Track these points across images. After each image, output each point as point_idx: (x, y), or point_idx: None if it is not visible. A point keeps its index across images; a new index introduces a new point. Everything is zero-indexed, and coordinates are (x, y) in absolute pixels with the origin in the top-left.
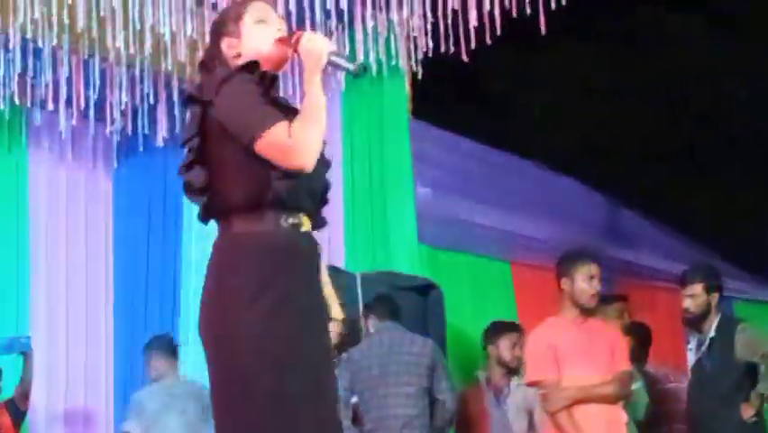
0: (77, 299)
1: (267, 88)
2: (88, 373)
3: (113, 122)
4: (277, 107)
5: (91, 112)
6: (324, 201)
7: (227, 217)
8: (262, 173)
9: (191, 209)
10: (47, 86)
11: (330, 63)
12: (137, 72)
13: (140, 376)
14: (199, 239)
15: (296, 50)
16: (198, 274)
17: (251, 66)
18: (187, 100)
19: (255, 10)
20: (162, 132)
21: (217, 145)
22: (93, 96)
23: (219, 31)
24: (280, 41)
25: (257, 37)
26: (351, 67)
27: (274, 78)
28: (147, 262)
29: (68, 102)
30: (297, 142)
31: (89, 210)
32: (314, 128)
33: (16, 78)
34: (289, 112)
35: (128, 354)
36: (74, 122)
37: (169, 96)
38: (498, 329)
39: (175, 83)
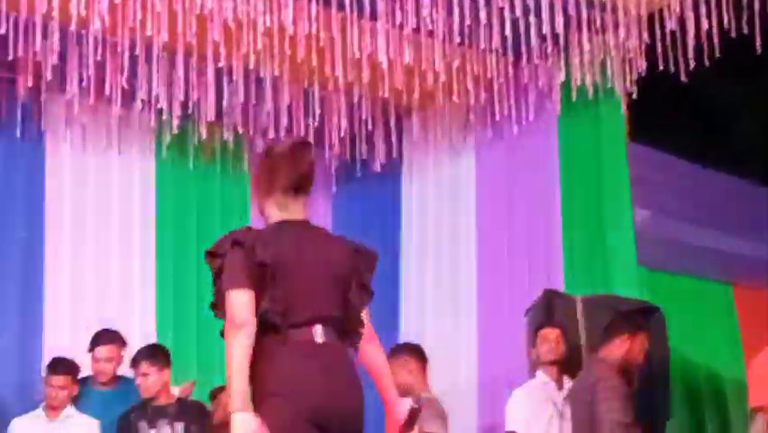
0: None
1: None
2: None
3: (331, 148)
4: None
5: (311, 139)
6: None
7: None
8: None
9: (410, 233)
10: (268, 114)
11: None
12: (355, 99)
13: None
14: (418, 261)
15: None
16: (417, 299)
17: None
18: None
19: None
20: (380, 158)
21: None
22: (312, 124)
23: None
24: None
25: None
26: None
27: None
28: None
29: (289, 129)
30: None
31: None
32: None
33: (239, 107)
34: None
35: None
36: None
37: (386, 123)
38: None
39: (392, 109)
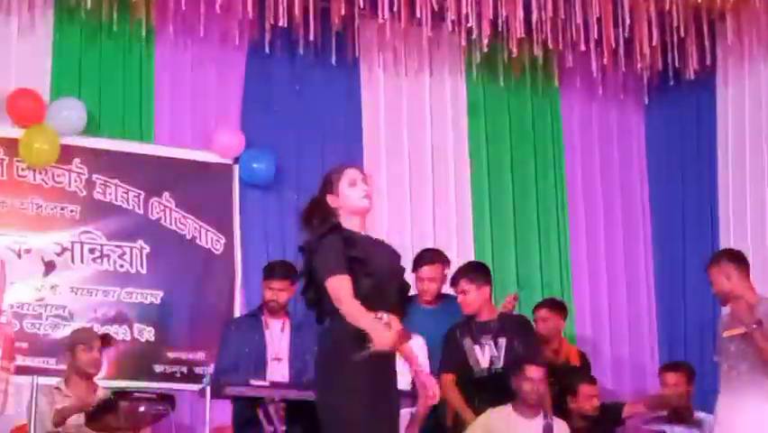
0: (614, 234)
1: (345, 244)
2: (630, 312)
3: (642, 58)
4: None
5: (620, 50)
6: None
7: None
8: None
9: (725, 143)
10: (578, 27)
11: None
12: (666, 6)
13: (680, 316)
14: (734, 173)
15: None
16: (735, 211)
17: (337, 228)
18: (299, 250)
19: (347, 175)
20: (693, 66)
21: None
22: (622, 34)
23: (324, 189)
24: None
25: (349, 196)
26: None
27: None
28: (683, 195)
29: (598, 42)
30: (339, 297)
31: (622, 147)
32: (350, 314)
33: (549, 22)
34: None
35: (668, 293)
36: (604, 60)
37: (698, 29)
38: None
39: (704, 14)
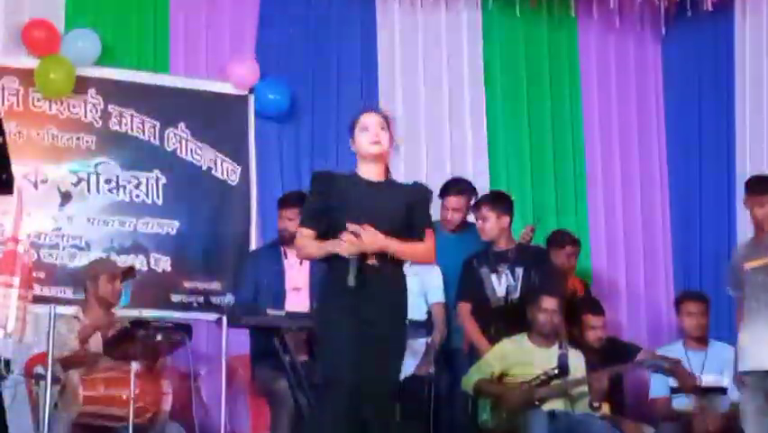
0: (630, 165)
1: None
2: (646, 243)
3: None
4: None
5: None
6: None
7: None
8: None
9: (743, 75)
10: None
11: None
12: None
13: (696, 247)
14: (752, 104)
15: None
16: (752, 140)
17: (314, 177)
18: None
19: (360, 121)
20: None
21: None
22: None
23: (350, 135)
24: None
25: (359, 141)
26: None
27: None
28: (699, 126)
29: None
30: (297, 248)
31: (638, 77)
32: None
33: None
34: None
35: (684, 224)
36: None
37: None
38: None
39: None
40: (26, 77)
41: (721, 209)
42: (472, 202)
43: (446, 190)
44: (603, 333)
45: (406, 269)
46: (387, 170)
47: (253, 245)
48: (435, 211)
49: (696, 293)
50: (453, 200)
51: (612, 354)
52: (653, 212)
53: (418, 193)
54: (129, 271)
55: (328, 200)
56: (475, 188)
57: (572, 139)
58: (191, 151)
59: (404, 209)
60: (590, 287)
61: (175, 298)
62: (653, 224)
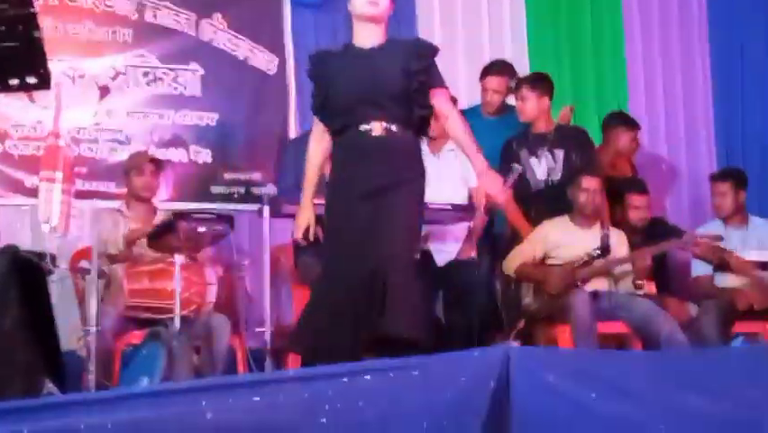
0: (670, 43)
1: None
2: (687, 122)
3: None
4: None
5: None
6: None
7: None
8: None
9: None
10: None
11: None
12: None
13: (738, 124)
14: None
15: None
16: None
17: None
18: None
19: None
20: None
21: None
22: None
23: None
24: None
25: (353, 2)
26: None
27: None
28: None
29: None
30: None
31: None
32: None
33: None
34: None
35: (726, 101)
36: None
37: None
38: None
39: None
40: None
41: (763, 85)
42: (512, 84)
43: (486, 71)
44: (647, 213)
45: (446, 153)
46: (385, 34)
47: (292, 134)
48: (475, 93)
49: (722, 173)
50: (494, 81)
51: (655, 235)
52: (694, 89)
53: (419, 52)
54: (156, 162)
55: (324, 80)
56: (515, 71)
57: (612, 19)
58: (228, 41)
59: (401, 74)
60: (636, 167)
61: (215, 189)
62: (694, 101)
